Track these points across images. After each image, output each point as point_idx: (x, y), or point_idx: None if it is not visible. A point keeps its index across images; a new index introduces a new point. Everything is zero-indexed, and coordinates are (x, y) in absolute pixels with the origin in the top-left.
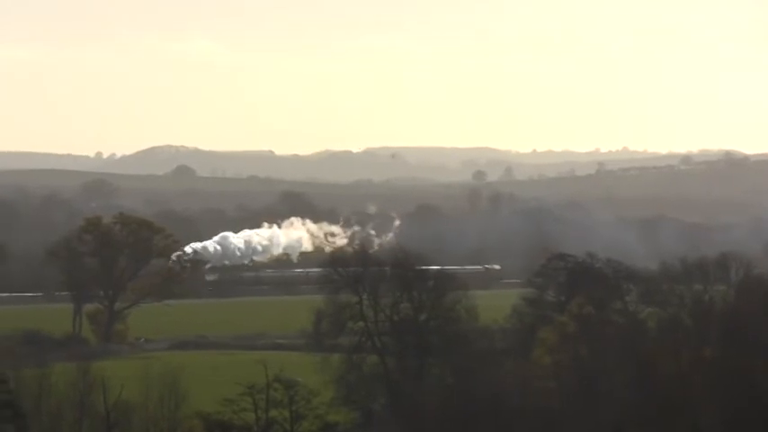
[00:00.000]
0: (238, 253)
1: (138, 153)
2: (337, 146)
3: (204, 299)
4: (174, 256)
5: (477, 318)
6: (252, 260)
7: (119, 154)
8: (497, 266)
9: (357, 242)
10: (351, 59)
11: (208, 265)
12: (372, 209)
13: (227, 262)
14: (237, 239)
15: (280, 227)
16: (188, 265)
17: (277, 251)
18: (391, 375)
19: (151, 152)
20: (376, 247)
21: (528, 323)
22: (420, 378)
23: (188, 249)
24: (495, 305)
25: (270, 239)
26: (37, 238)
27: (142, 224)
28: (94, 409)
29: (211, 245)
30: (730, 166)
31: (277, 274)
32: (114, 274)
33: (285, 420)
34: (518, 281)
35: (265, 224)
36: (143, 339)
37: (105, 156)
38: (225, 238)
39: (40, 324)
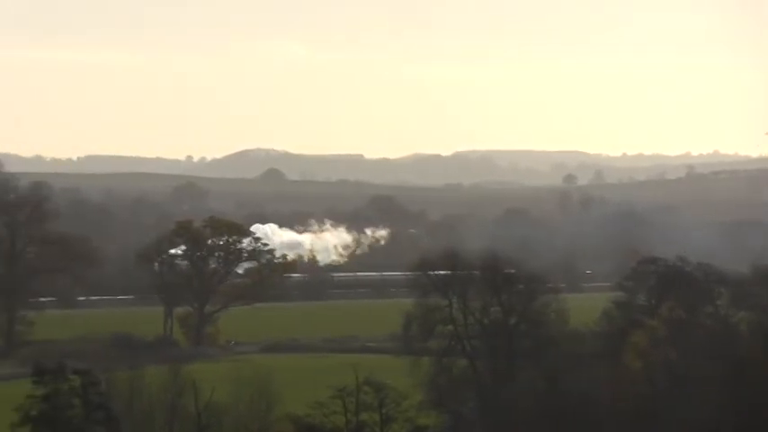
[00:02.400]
0: None
1: (228, 156)
2: (427, 149)
3: (294, 302)
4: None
5: (567, 321)
6: None
7: (209, 157)
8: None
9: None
10: (439, 63)
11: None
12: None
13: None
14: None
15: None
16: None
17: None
18: (481, 379)
19: (241, 155)
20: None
21: (618, 327)
22: (510, 381)
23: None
24: (586, 308)
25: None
26: (128, 242)
27: (232, 227)
28: (185, 412)
29: None
30: None
31: (367, 277)
32: (205, 277)
33: (375, 423)
34: (608, 284)
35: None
36: (234, 342)
37: (196, 159)
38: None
39: (131, 327)
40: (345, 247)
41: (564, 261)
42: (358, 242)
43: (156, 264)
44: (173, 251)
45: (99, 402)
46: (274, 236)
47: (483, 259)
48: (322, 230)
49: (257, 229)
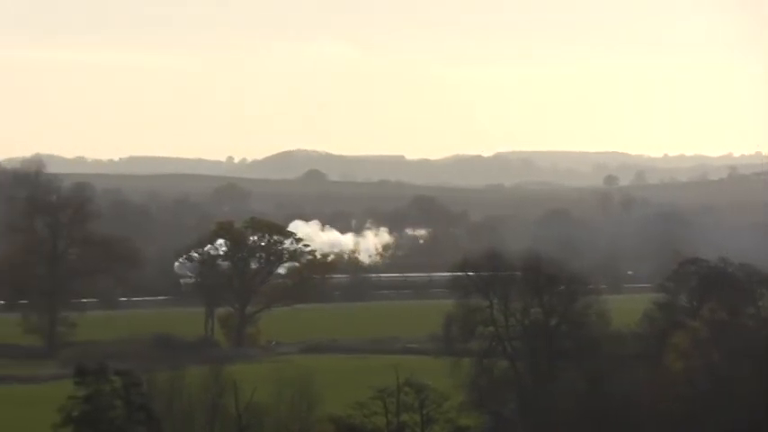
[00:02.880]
0: None
1: (269, 157)
2: (468, 150)
3: (335, 302)
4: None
5: (608, 322)
6: None
7: (250, 158)
8: None
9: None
10: (481, 64)
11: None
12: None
13: None
14: None
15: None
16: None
17: None
18: (522, 380)
19: (282, 157)
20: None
21: (660, 328)
22: (551, 383)
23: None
24: (627, 309)
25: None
26: (169, 243)
27: (273, 228)
28: (226, 412)
29: None
30: None
31: (408, 278)
32: (246, 278)
33: (416, 424)
34: (649, 285)
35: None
36: (274, 343)
37: (237, 160)
38: None
39: (172, 327)
40: (386, 247)
41: (605, 262)
42: (399, 243)
43: (197, 264)
44: (214, 252)
45: (140, 403)
46: (315, 236)
47: (524, 260)
48: (363, 231)
49: (298, 228)
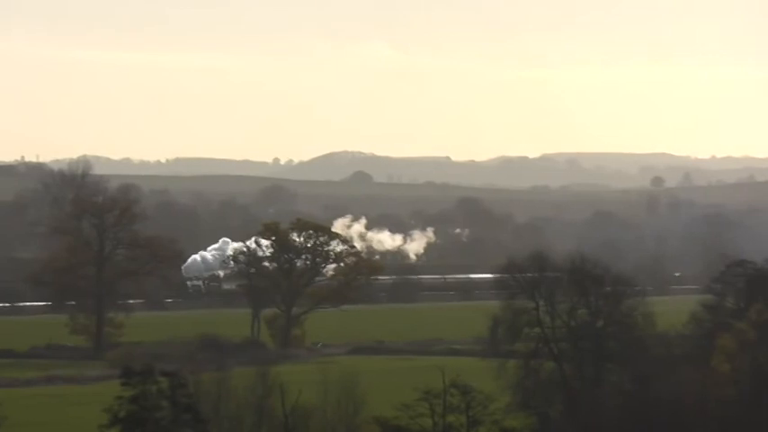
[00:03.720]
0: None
1: (315, 159)
2: (514, 152)
3: (380, 304)
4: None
5: (654, 324)
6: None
7: (296, 160)
8: None
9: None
10: (527, 65)
11: None
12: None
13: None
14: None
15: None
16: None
17: None
18: (568, 381)
19: (329, 158)
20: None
21: (707, 330)
22: (597, 384)
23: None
24: (674, 311)
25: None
26: (215, 243)
27: (319, 229)
28: (273, 413)
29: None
30: None
31: (454, 279)
32: (292, 280)
33: (462, 426)
34: (696, 287)
35: None
36: (320, 344)
37: (283, 162)
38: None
39: (219, 328)
40: (432, 248)
41: (651, 264)
42: (444, 244)
43: (244, 266)
44: (260, 253)
45: (187, 404)
46: (361, 238)
47: (570, 261)
48: (408, 232)
49: (343, 230)
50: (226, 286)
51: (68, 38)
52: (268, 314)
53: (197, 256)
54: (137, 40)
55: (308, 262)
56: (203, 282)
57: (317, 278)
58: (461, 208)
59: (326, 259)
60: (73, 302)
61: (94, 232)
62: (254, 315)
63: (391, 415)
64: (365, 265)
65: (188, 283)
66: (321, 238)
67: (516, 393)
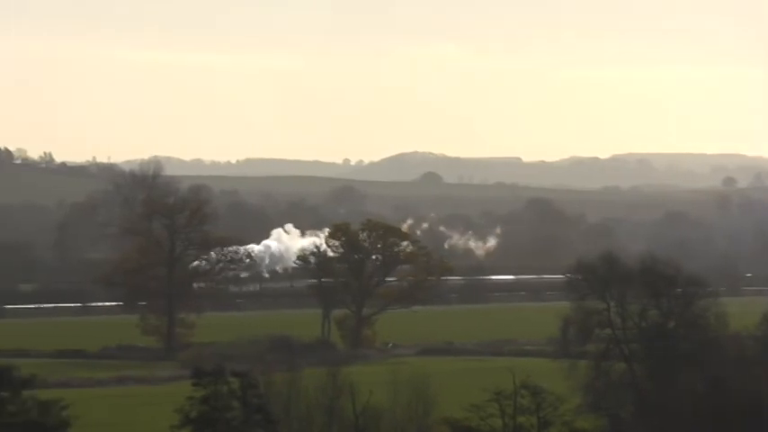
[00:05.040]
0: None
1: (385, 159)
2: (584, 152)
3: (451, 305)
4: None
5: (726, 324)
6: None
7: (366, 160)
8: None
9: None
10: (597, 66)
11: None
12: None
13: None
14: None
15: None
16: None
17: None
18: (639, 383)
19: (399, 159)
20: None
21: None
22: (669, 386)
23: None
24: (746, 311)
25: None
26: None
27: (389, 230)
28: (343, 414)
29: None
30: None
31: (524, 280)
32: (362, 281)
33: (532, 427)
34: None
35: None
36: (391, 345)
37: (353, 162)
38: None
39: (289, 329)
40: (502, 249)
41: (723, 264)
42: (515, 245)
43: (314, 266)
44: (331, 254)
45: (258, 405)
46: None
47: (641, 262)
48: (478, 233)
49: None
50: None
51: (141, 40)
52: (339, 315)
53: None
54: (208, 42)
55: (378, 263)
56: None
57: (388, 279)
58: (531, 208)
59: (397, 260)
60: (144, 303)
61: (165, 233)
62: (325, 315)
63: (461, 416)
64: (435, 265)
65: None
66: (392, 239)
67: (587, 394)
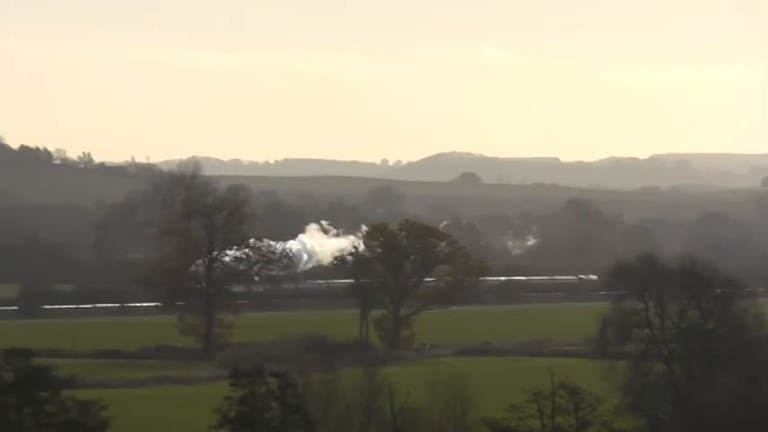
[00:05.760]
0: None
1: (424, 160)
2: (623, 152)
3: (489, 305)
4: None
5: (765, 325)
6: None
7: (405, 161)
8: (594, 277)
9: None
10: (636, 66)
11: None
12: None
13: None
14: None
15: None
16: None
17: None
18: (678, 383)
19: (437, 159)
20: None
21: None
22: (708, 386)
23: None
24: None
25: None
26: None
27: (427, 231)
28: (381, 414)
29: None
30: None
31: (562, 280)
32: (400, 281)
33: (571, 427)
34: None
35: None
36: (429, 345)
37: (391, 162)
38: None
39: (327, 329)
40: (540, 249)
41: (762, 264)
42: (553, 245)
43: (351, 266)
44: (368, 254)
45: (296, 405)
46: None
47: (680, 263)
48: (516, 233)
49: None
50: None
51: (179, 41)
52: (376, 315)
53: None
54: (245, 42)
55: (416, 263)
56: None
57: (426, 279)
58: (570, 209)
59: (435, 260)
60: (182, 303)
61: (204, 233)
62: (363, 316)
63: (500, 416)
64: (473, 266)
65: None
66: (430, 240)
67: (625, 395)
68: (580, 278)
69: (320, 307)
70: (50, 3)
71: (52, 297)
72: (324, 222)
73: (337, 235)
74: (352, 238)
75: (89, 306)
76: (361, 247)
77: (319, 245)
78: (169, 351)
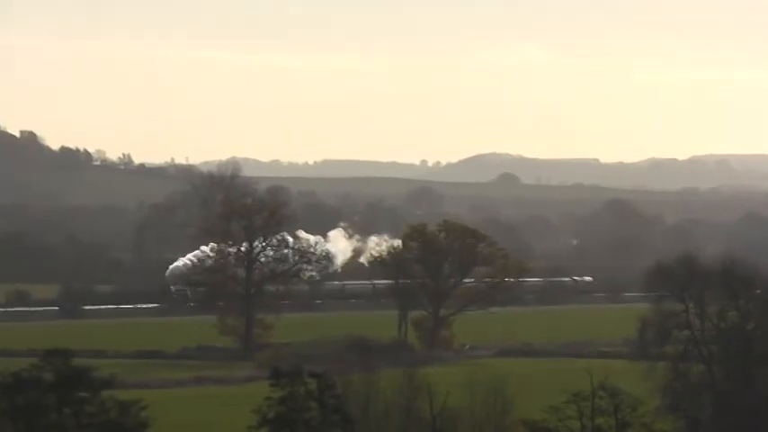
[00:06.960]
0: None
1: (463, 161)
2: (663, 153)
3: (529, 306)
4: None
5: None
6: None
7: (444, 162)
8: (589, 278)
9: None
10: (676, 67)
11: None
12: None
13: None
14: None
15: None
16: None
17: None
18: (718, 384)
19: (476, 160)
20: None
21: None
22: (747, 387)
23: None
24: None
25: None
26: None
27: (466, 231)
28: (420, 415)
29: None
30: None
31: (602, 281)
32: (439, 281)
33: (611, 428)
34: None
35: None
36: (468, 346)
37: (430, 163)
38: None
39: (366, 330)
40: (580, 250)
41: None
42: (591, 246)
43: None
44: (407, 255)
45: (335, 405)
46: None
47: (720, 264)
48: (556, 234)
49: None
50: None
51: (221, 42)
52: (416, 316)
53: (179, 263)
54: (282, 44)
55: (455, 264)
56: (189, 288)
57: (465, 280)
58: (610, 209)
59: (474, 261)
60: (222, 303)
61: (243, 234)
62: (402, 316)
63: (539, 417)
64: (513, 266)
65: (171, 288)
66: (468, 241)
67: (665, 396)
68: (575, 280)
69: (359, 308)
70: (93, 3)
71: (92, 298)
72: (342, 224)
73: (354, 237)
74: (374, 239)
75: (129, 306)
76: (384, 247)
77: (342, 248)
78: (209, 351)
